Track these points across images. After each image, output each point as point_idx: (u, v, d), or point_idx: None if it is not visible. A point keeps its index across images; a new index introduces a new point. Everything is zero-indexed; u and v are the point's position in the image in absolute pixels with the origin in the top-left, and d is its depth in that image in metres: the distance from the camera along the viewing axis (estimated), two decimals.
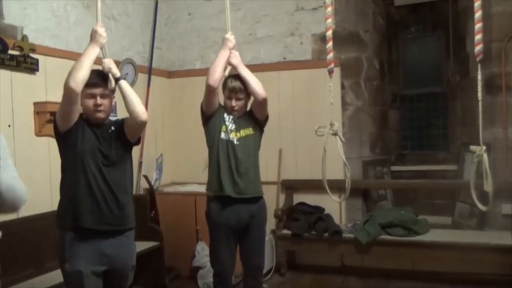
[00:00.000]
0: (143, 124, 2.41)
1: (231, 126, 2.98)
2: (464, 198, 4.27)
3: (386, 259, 4.19)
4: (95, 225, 2.27)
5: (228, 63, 2.96)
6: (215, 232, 3.02)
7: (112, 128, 2.39)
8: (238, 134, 2.98)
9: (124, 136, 2.39)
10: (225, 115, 2.99)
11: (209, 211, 3.03)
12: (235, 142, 2.95)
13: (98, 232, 2.28)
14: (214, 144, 2.96)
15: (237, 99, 2.97)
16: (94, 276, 2.26)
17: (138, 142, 2.50)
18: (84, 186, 2.27)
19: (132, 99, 2.33)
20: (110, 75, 2.35)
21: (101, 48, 2.38)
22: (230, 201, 2.93)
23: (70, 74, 2.21)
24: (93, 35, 2.35)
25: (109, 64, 2.36)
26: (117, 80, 2.34)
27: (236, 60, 2.96)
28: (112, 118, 2.50)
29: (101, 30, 2.35)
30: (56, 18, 3.58)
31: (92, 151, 2.30)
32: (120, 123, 2.42)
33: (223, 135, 2.96)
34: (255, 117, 3.05)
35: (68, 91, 2.20)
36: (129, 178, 2.47)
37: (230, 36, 2.98)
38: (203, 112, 3.02)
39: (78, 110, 2.31)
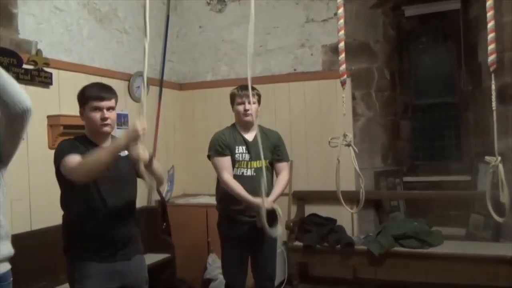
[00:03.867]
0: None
1: (245, 156, 2.94)
2: (479, 209, 4.21)
3: (400, 271, 4.14)
4: (106, 252, 2.22)
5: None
6: (227, 243, 3.02)
7: None
8: (254, 164, 2.94)
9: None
10: (236, 147, 2.95)
11: (221, 223, 3.03)
12: (252, 173, 2.92)
13: (109, 257, 2.23)
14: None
15: (250, 102, 2.91)
16: None
17: None
18: (94, 212, 2.20)
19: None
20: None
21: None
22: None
23: (84, 166, 2.04)
24: (130, 133, 1.97)
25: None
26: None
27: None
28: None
29: (140, 127, 1.91)
30: (69, 32, 3.64)
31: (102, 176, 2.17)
32: None
33: (235, 171, 2.93)
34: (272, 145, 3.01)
35: (74, 177, 2.08)
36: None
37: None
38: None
39: None
